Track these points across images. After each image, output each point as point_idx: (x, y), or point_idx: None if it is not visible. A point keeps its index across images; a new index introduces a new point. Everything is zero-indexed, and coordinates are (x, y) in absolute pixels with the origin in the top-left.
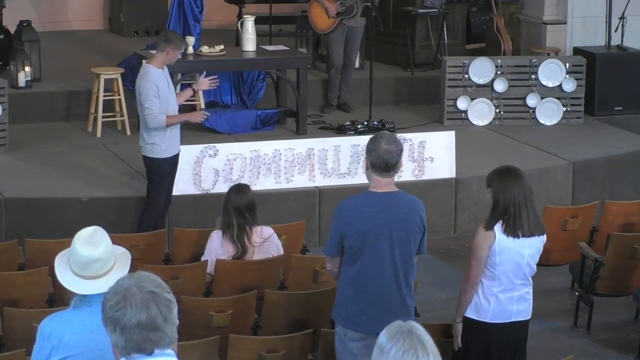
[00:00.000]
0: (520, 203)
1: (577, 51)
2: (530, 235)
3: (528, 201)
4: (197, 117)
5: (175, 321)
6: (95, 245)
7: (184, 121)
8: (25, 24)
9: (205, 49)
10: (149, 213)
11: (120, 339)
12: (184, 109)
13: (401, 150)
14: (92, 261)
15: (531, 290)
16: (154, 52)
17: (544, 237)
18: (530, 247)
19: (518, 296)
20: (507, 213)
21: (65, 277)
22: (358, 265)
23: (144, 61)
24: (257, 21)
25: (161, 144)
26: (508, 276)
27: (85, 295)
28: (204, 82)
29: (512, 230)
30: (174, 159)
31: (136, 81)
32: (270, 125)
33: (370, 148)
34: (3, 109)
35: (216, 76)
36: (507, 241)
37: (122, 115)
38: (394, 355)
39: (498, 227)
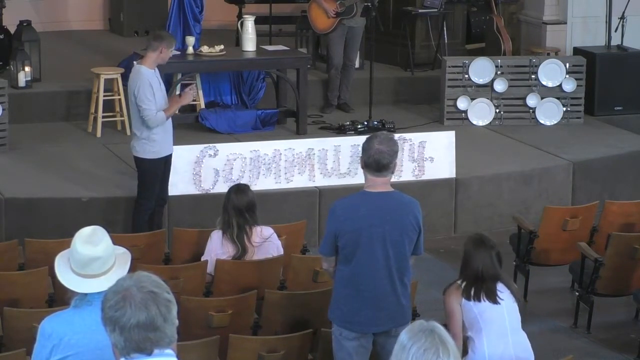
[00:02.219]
0: (486, 272)
1: (577, 51)
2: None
3: (495, 270)
4: (188, 97)
5: (175, 321)
6: (95, 244)
7: (179, 106)
8: (25, 24)
9: (205, 49)
10: (140, 214)
11: (120, 339)
12: (183, 109)
13: (395, 151)
14: (92, 260)
15: (526, 338)
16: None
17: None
18: (507, 304)
19: (513, 342)
20: (474, 279)
21: (66, 276)
22: (352, 265)
23: (135, 62)
24: (257, 21)
25: (153, 144)
26: (495, 324)
27: (86, 295)
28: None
29: (475, 297)
30: (166, 160)
31: (128, 82)
32: (270, 125)
33: (364, 147)
34: (3, 109)
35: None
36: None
37: (122, 115)
38: (414, 353)
39: (462, 287)
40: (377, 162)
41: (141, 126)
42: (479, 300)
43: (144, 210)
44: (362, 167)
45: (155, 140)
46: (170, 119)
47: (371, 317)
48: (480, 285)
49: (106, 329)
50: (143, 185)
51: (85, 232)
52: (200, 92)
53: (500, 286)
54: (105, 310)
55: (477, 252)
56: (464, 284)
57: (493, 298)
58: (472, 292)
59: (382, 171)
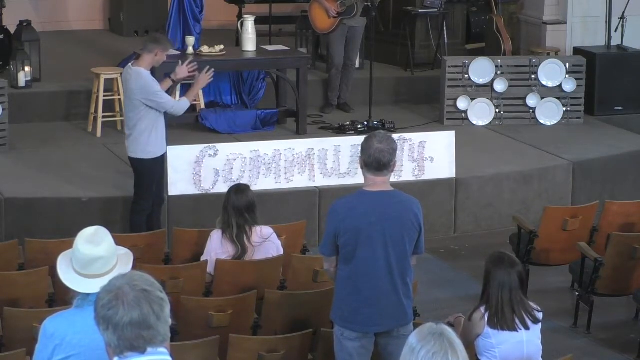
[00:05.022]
0: (504, 296)
1: (577, 51)
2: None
3: (513, 293)
4: (205, 79)
5: (168, 320)
6: (97, 244)
7: (199, 88)
8: (25, 24)
9: (205, 49)
10: (138, 214)
11: (113, 337)
12: None
13: (394, 150)
14: (94, 260)
15: None
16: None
17: (539, 325)
18: (528, 334)
19: None
20: (492, 304)
21: (67, 275)
22: (352, 265)
23: (130, 64)
24: (257, 21)
25: (152, 144)
26: (512, 356)
27: (88, 295)
28: (182, 70)
29: (498, 324)
30: (162, 159)
31: (127, 85)
32: (270, 125)
33: (363, 147)
34: (3, 109)
35: (209, 67)
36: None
37: (122, 115)
38: (423, 357)
39: (487, 317)
40: (377, 161)
41: (138, 126)
42: (500, 329)
43: (141, 210)
44: (362, 167)
45: (154, 140)
46: (163, 119)
47: (372, 317)
48: (502, 314)
49: (99, 327)
50: (140, 186)
51: (88, 232)
52: (200, 92)
53: (523, 312)
54: (98, 309)
55: (496, 273)
56: (487, 313)
57: (512, 326)
58: (495, 321)
59: (382, 170)
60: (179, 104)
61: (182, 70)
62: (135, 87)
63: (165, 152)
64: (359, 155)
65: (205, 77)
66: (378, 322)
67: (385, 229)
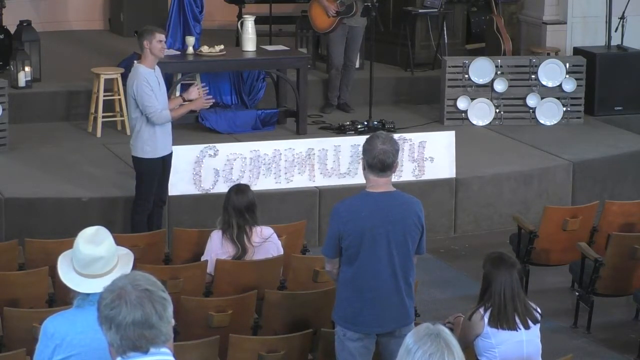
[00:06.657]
0: (507, 295)
1: (577, 51)
2: (517, 328)
3: (515, 292)
4: (200, 104)
5: (171, 320)
6: (98, 244)
7: (189, 110)
8: (25, 24)
9: (205, 49)
10: (139, 214)
11: (116, 337)
12: None
13: (397, 150)
14: (95, 260)
15: None
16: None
17: (538, 325)
18: (527, 334)
19: None
20: (495, 304)
21: (68, 275)
22: (356, 266)
23: (135, 61)
24: (257, 21)
25: (151, 144)
26: (511, 356)
27: (89, 295)
28: (194, 92)
29: (499, 323)
30: (165, 160)
31: (127, 82)
32: (270, 125)
33: (366, 148)
34: (3, 109)
35: (211, 96)
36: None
37: (122, 115)
38: (419, 357)
39: (486, 317)
40: (381, 162)
41: (138, 125)
42: (501, 329)
43: (141, 210)
44: (364, 169)
45: (153, 140)
46: None
47: (375, 318)
48: (504, 313)
49: (102, 328)
50: (141, 185)
51: (88, 232)
52: (201, 92)
53: (524, 312)
54: (101, 309)
55: (498, 272)
56: (487, 312)
57: (513, 326)
58: (497, 321)
59: (385, 171)
60: (161, 115)
61: (193, 92)
62: (129, 83)
63: (170, 154)
64: (361, 156)
65: (201, 103)
66: (381, 323)
67: (388, 231)
